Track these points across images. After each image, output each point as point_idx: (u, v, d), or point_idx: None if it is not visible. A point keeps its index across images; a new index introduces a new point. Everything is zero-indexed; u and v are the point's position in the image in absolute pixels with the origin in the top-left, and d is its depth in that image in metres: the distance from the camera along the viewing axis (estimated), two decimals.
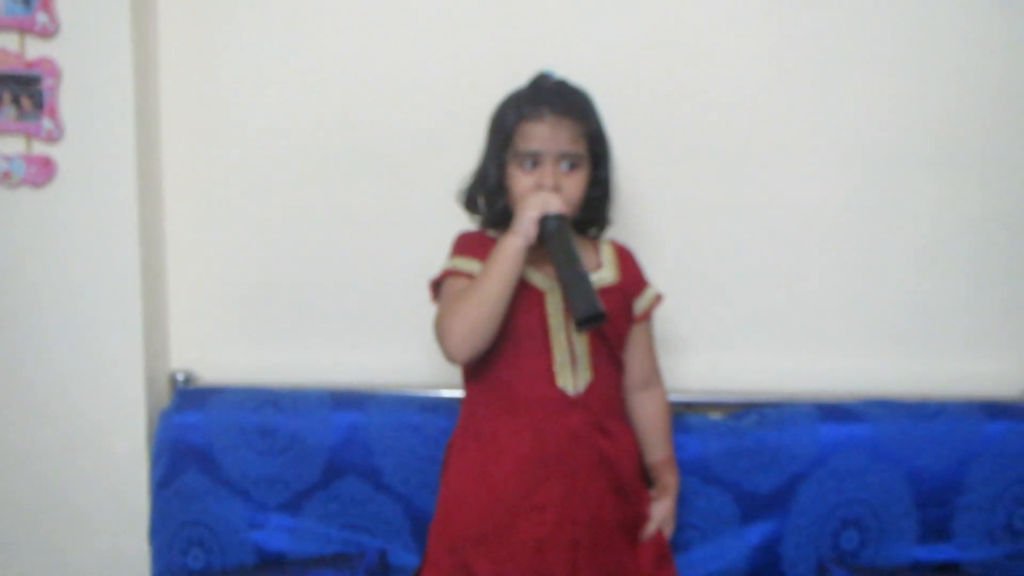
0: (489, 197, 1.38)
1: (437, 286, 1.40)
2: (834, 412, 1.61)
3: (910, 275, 1.74)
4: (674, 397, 1.61)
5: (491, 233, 1.40)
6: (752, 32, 1.67)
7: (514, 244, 1.28)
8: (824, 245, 1.72)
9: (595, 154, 1.37)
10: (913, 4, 1.67)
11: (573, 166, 1.33)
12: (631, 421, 1.45)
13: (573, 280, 1.25)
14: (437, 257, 1.42)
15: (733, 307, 1.73)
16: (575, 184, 1.34)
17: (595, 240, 1.46)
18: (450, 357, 1.31)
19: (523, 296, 1.33)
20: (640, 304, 1.45)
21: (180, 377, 1.69)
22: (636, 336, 1.45)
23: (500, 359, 1.34)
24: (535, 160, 1.32)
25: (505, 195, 1.36)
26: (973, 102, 1.69)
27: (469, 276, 1.34)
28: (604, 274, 1.41)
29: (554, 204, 1.28)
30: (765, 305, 1.73)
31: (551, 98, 1.33)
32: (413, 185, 1.68)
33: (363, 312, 1.72)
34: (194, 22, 1.65)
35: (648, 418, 1.47)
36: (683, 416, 1.62)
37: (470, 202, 1.43)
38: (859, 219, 1.72)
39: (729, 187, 1.70)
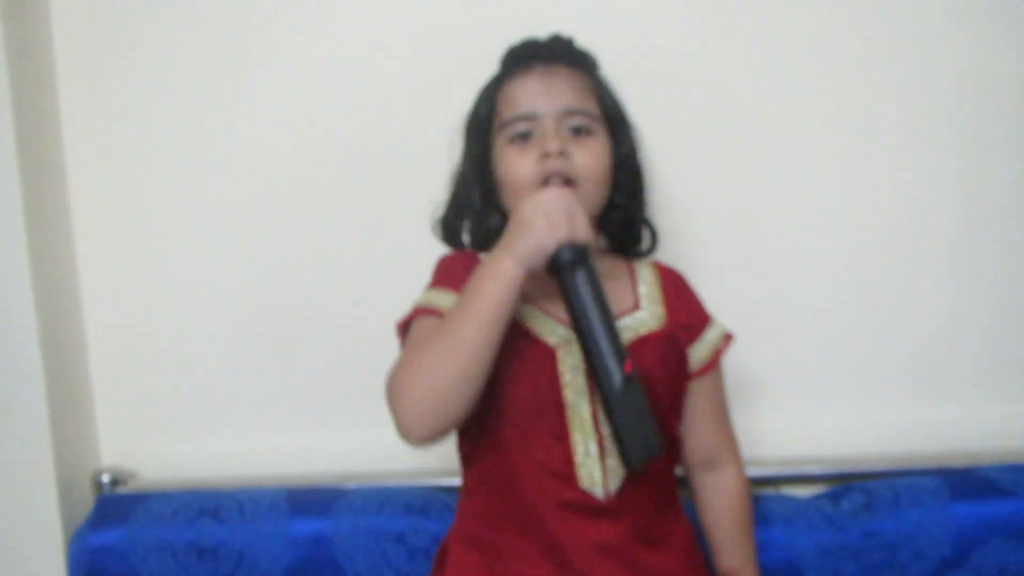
0: (477, 218, 1.02)
1: (406, 329, 0.99)
2: (967, 484, 1.18)
3: None
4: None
5: (484, 256, 1.01)
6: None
7: (505, 271, 0.87)
8: (932, 252, 1.32)
9: (611, 122, 1.00)
10: None
11: (583, 130, 0.97)
12: (696, 510, 1.07)
13: (616, 400, 0.87)
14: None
15: (812, 343, 1.32)
16: (591, 153, 0.97)
17: (631, 262, 1.06)
18: (403, 433, 0.89)
19: (525, 354, 0.95)
20: (699, 351, 1.04)
21: (105, 479, 1.33)
22: (696, 396, 1.04)
23: (498, 446, 0.96)
24: (529, 129, 0.96)
25: (496, 207, 1.00)
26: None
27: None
28: (643, 316, 1.01)
29: (582, 226, 0.88)
30: (854, 339, 1.32)
31: (540, 49, 1.00)
32: (385, 224, 1.33)
33: (329, 384, 1.35)
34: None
35: (716, 512, 1.06)
36: (759, 498, 1.20)
37: (450, 234, 1.07)
38: (985, 213, 1.30)
39: (797, 183, 1.31)
